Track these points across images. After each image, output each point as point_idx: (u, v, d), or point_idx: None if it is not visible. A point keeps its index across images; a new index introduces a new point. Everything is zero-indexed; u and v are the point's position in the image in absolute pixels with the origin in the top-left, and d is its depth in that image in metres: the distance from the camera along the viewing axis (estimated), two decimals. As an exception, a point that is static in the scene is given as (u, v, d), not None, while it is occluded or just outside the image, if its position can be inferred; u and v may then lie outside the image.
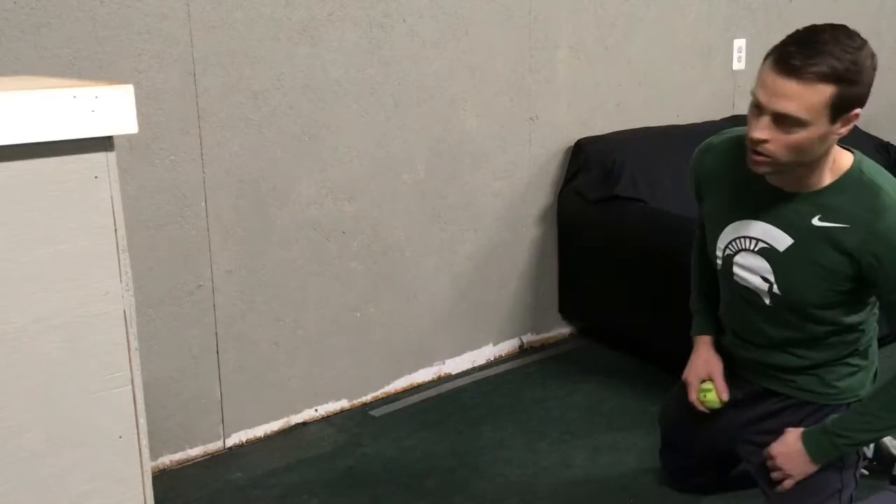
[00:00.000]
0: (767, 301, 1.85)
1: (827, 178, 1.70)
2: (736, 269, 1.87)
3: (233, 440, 2.79)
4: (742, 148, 1.72)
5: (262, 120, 2.66)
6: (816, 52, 1.55)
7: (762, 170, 1.68)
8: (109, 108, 1.31)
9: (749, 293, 1.88)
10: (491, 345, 3.41)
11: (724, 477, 2.30)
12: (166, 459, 2.67)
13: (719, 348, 2.08)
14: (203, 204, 2.60)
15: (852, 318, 1.84)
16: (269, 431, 2.86)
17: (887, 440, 2.58)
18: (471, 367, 3.35)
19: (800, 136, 1.58)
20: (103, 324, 1.37)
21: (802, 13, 4.15)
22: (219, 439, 2.77)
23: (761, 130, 1.60)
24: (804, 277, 1.76)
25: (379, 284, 3.03)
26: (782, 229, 1.76)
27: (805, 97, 1.54)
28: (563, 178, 3.45)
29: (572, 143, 3.44)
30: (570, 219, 3.43)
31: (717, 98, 3.94)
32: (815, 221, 1.70)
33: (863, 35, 1.61)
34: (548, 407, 3.03)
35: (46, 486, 1.36)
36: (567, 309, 3.58)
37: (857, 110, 1.60)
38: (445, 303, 3.23)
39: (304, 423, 2.93)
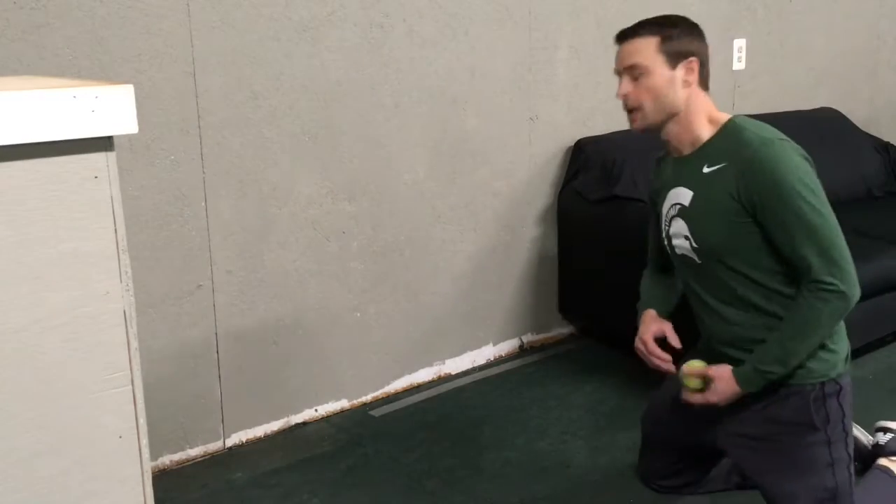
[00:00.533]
0: (697, 258, 2.01)
1: (706, 134, 1.99)
2: (673, 242, 2.06)
3: (233, 440, 2.79)
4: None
5: (262, 120, 2.66)
6: (639, 24, 2.00)
7: (637, 126, 2.01)
8: (109, 108, 1.31)
9: (686, 259, 2.05)
10: (491, 345, 3.41)
11: (701, 478, 2.32)
12: (166, 459, 2.67)
13: (702, 349, 2.14)
14: (203, 204, 2.60)
15: (773, 264, 1.91)
16: (269, 431, 2.86)
17: (862, 437, 2.55)
18: (471, 367, 3.35)
19: (649, 81, 1.94)
20: (103, 324, 1.37)
21: (802, 13, 4.15)
22: (219, 439, 2.77)
23: (622, 88, 1.98)
24: (708, 222, 1.96)
25: (379, 284, 3.03)
26: (685, 186, 2.01)
27: (638, 48, 1.96)
28: (562, 178, 3.45)
29: (572, 143, 3.44)
30: (570, 219, 3.43)
31: (717, 98, 3.83)
32: (705, 169, 1.96)
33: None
34: (548, 407, 3.03)
35: (46, 486, 1.36)
36: (567, 309, 3.58)
37: (693, 59, 1.96)
38: (445, 303, 3.23)
39: (304, 423, 2.93)
